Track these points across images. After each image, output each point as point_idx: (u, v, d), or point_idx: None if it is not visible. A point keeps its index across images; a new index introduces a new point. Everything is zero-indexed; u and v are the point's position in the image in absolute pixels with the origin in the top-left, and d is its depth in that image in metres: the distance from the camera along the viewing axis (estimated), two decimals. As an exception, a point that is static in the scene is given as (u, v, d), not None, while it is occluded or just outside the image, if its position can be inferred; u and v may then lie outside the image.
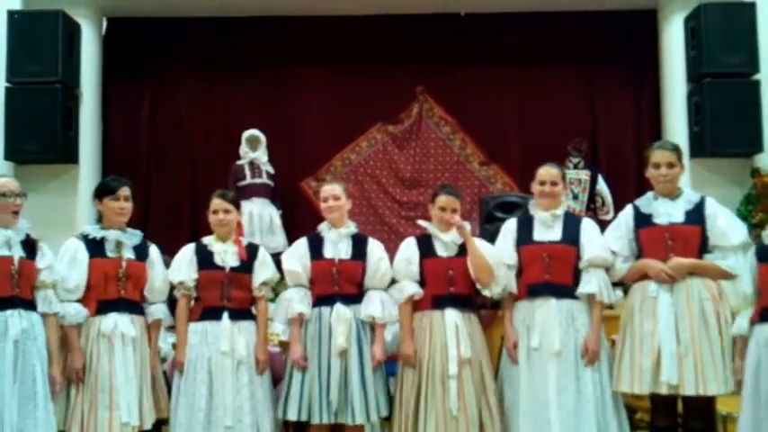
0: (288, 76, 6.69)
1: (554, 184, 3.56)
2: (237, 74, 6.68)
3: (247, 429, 3.35)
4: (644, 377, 3.25)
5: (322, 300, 3.51)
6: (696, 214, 3.37)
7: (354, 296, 3.50)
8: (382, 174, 6.72)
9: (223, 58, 6.69)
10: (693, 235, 3.34)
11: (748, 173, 5.79)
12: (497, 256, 3.58)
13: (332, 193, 3.62)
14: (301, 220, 6.26)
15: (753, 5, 5.83)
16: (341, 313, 3.44)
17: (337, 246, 3.56)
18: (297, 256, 3.61)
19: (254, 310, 3.58)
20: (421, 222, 3.72)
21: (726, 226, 3.35)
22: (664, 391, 3.22)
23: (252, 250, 3.61)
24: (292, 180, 6.60)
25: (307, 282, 3.57)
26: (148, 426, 3.35)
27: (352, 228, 3.64)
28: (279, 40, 6.58)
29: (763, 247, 3.15)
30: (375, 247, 3.62)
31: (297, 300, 3.52)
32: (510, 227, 3.68)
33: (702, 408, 3.33)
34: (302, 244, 3.65)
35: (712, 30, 5.79)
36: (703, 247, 3.35)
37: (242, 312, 3.51)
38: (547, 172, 3.58)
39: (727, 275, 3.30)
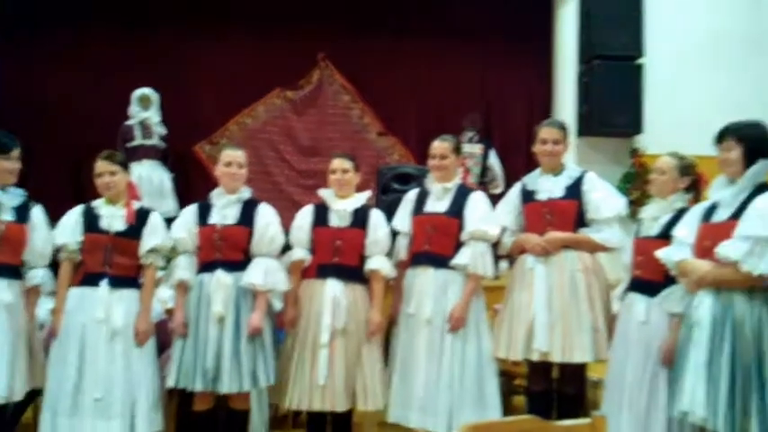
0: (185, 36, 6.44)
1: (444, 157, 3.63)
2: (129, 30, 6.37)
3: (118, 402, 3.22)
4: (518, 344, 3.41)
5: (205, 266, 3.45)
6: (574, 189, 3.53)
7: (239, 263, 3.44)
8: (280, 140, 6.62)
9: (115, 13, 6.35)
10: (570, 209, 3.50)
11: (628, 152, 6.11)
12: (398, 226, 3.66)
13: (237, 161, 3.53)
14: (194, 184, 6.11)
15: (640, -9, 6.10)
16: (220, 280, 3.38)
17: (223, 211, 3.49)
18: (184, 223, 3.54)
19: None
20: (320, 191, 3.71)
21: (600, 200, 3.50)
22: (535, 357, 3.40)
23: (142, 215, 3.46)
24: (186, 143, 6.39)
25: (194, 248, 3.50)
26: (19, 397, 3.20)
27: (245, 194, 3.58)
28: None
29: (639, 223, 3.32)
30: (264, 213, 3.54)
31: (181, 266, 3.46)
32: (410, 197, 3.76)
33: (574, 374, 3.54)
34: (191, 210, 3.58)
35: (603, 13, 5.99)
36: (580, 221, 3.51)
37: (125, 279, 3.37)
38: (438, 145, 3.65)
39: (601, 247, 3.48)
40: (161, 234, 3.47)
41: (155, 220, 3.48)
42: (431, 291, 3.49)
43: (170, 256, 3.59)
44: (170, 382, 3.37)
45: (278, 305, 3.55)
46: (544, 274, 3.44)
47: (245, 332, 3.36)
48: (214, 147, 6.26)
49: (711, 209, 2.84)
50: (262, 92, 6.60)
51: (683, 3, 6.23)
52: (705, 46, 6.18)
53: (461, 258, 3.50)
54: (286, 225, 3.67)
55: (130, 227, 3.40)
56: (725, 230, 2.67)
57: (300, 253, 3.55)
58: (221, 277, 3.38)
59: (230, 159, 3.52)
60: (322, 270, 3.51)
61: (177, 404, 3.73)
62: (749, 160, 2.72)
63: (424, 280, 3.51)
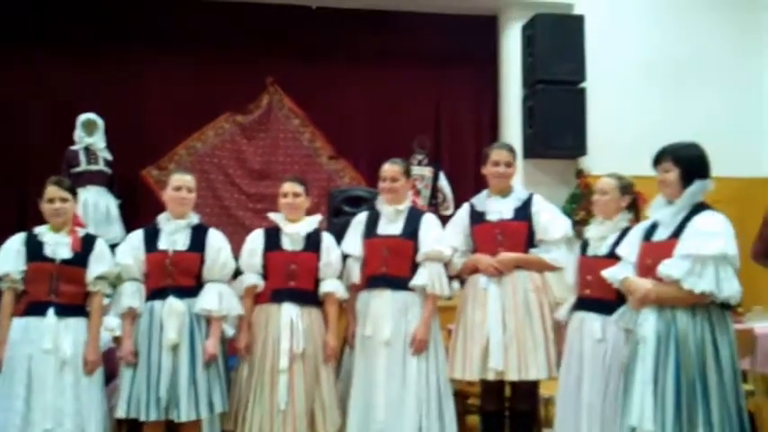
0: (130, 59, 6.35)
1: (395, 179, 3.67)
2: (74, 53, 6.26)
3: None
4: (474, 364, 3.44)
5: (155, 293, 3.39)
6: (523, 211, 3.62)
7: (191, 288, 3.40)
8: (229, 164, 6.56)
9: (60, 36, 6.24)
10: (520, 230, 3.58)
11: (573, 173, 6.27)
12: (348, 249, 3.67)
13: (187, 185, 3.50)
14: (141, 210, 5.99)
15: (581, 18, 6.29)
16: (173, 307, 3.33)
17: (173, 237, 3.45)
18: (130, 249, 3.46)
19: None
20: (270, 215, 3.70)
21: (548, 221, 3.60)
22: (491, 377, 3.43)
23: (88, 242, 3.41)
24: (132, 168, 6.28)
25: (140, 275, 3.44)
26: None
27: (193, 219, 3.54)
28: (123, 20, 6.24)
29: (583, 242, 3.41)
30: (215, 238, 3.53)
31: (128, 294, 3.38)
32: (359, 220, 3.78)
33: (527, 392, 3.59)
34: (137, 236, 3.51)
35: (546, 39, 6.15)
36: (530, 242, 3.59)
37: (72, 308, 3.30)
38: (388, 168, 3.69)
39: (550, 267, 3.56)
40: (108, 261, 3.42)
41: (100, 247, 3.43)
42: (389, 313, 3.50)
43: (116, 283, 3.52)
44: (120, 413, 3.29)
45: (230, 331, 3.54)
46: (497, 294, 3.49)
47: (201, 359, 3.32)
48: (162, 171, 6.17)
49: (652, 228, 2.94)
50: (210, 116, 6.54)
51: (621, 29, 6.46)
52: (641, 71, 6.42)
53: (420, 279, 3.53)
54: (236, 249, 3.65)
55: (76, 254, 3.34)
56: (665, 249, 2.77)
57: (254, 278, 3.53)
58: (174, 304, 3.33)
59: (180, 184, 3.48)
60: (277, 295, 3.49)
61: (126, 435, 3.65)
62: (686, 181, 2.84)
63: (381, 302, 3.53)
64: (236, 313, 3.47)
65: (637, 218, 3.32)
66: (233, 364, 3.60)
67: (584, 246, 3.38)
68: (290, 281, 3.49)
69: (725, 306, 2.74)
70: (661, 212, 2.90)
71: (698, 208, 2.83)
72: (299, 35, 6.52)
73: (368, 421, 3.44)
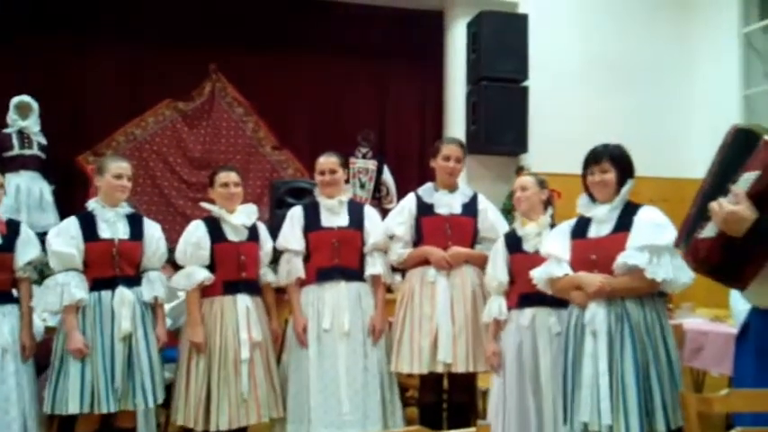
0: (68, 42, 6.16)
1: (333, 172, 3.67)
2: (9, 36, 6.02)
3: (15, 422, 3.08)
4: (422, 357, 3.45)
5: (101, 283, 3.29)
6: (471, 207, 3.67)
7: (134, 278, 3.35)
8: (169, 152, 6.44)
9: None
10: (468, 226, 3.63)
11: (514, 170, 6.38)
12: (284, 244, 3.64)
13: (128, 173, 3.41)
14: (77, 196, 5.82)
15: (525, 18, 6.40)
16: (125, 296, 3.27)
17: (115, 225, 3.37)
18: (68, 237, 3.29)
19: (15, 293, 3.30)
20: (205, 205, 3.64)
21: (495, 220, 3.68)
22: (440, 369, 3.46)
23: (13, 227, 3.31)
24: (68, 153, 6.10)
25: (81, 265, 3.32)
26: None
27: (127, 207, 3.47)
28: (61, 3, 6.04)
29: (513, 238, 3.41)
30: (152, 226, 3.49)
31: (74, 285, 3.22)
32: (296, 214, 3.72)
33: (465, 384, 3.64)
34: (72, 224, 3.33)
35: (490, 37, 6.22)
36: (475, 238, 3.66)
37: (3, 295, 3.23)
38: (325, 161, 3.68)
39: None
40: (36, 247, 3.36)
41: (26, 233, 3.36)
42: (345, 304, 3.52)
43: (44, 270, 3.44)
44: (72, 409, 3.13)
45: (168, 322, 3.50)
46: (446, 287, 3.53)
47: (154, 347, 3.32)
48: (99, 158, 6.00)
49: (580, 226, 3.00)
50: (151, 103, 6.41)
51: (563, 29, 6.59)
52: (581, 71, 6.57)
53: (374, 269, 3.57)
54: (177, 239, 3.58)
55: (3, 240, 3.23)
56: (611, 243, 2.84)
57: (205, 272, 3.46)
58: (125, 293, 3.27)
59: (121, 172, 3.39)
60: (231, 286, 3.47)
61: (57, 428, 3.54)
62: (621, 181, 2.93)
63: (337, 294, 3.54)
64: (177, 301, 3.43)
65: (553, 214, 3.41)
66: (168, 355, 3.55)
67: (517, 242, 3.41)
68: (242, 272, 3.49)
69: (661, 296, 2.86)
70: (595, 210, 2.97)
71: (631, 205, 2.93)
72: (244, 23, 6.45)
73: (332, 413, 3.44)
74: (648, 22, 6.75)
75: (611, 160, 2.93)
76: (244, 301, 3.45)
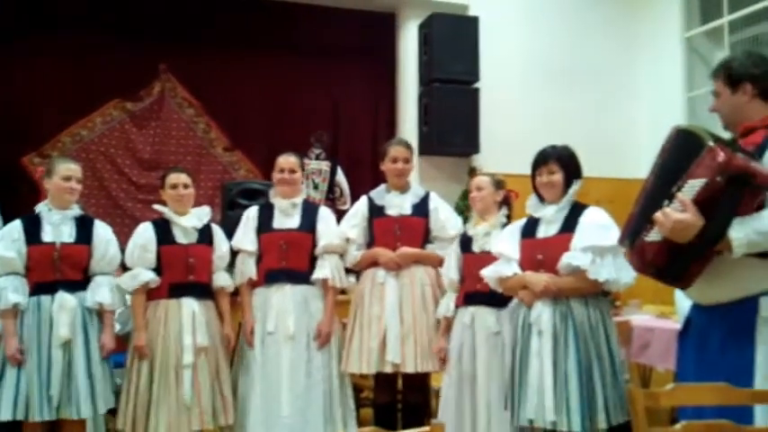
0: (10, 40, 5.97)
1: (292, 171, 3.66)
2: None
3: None
4: (371, 357, 3.48)
5: (41, 288, 3.22)
6: (422, 207, 3.70)
7: (79, 282, 3.28)
8: (117, 153, 6.29)
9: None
10: (419, 226, 3.66)
11: (466, 171, 6.44)
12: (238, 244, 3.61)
13: (77, 175, 3.36)
14: (21, 199, 5.65)
15: (476, 20, 6.47)
16: (65, 301, 3.19)
17: (59, 229, 3.30)
18: (10, 241, 3.25)
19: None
20: (156, 207, 3.59)
21: (446, 219, 3.72)
22: (388, 369, 3.49)
23: None
24: (12, 154, 5.92)
25: (22, 269, 3.25)
26: None
27: (77, 209, 3.39)
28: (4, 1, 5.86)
29: (465, 238, 3.49)
30: (102, 230, 3.43)
31: (11, 289, 3.18)
32: (251, 214, 3.72)
33: (418, 384, 3.68)
34: (15, 227, 3.30)
35: (441, 39, 6.26)
36: (426, 238, 3.68)
37: None
38: (286, 160, 3.68)
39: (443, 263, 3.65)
40: None
41: None
42: (291, 307, 3.50)
43: None
44: (4, 415, 3.08)
45: (117, 327, 3.43)
46: (395, 288, 3.55)
47: (96, 354, 3.24)
48: (44, 159, 5.85)
49: (529, 226, 3.06)
50: (98, 103, 6.26)
51: (513, 32, 6.68)
52: (531, 73, 6.67)
53: (322, 272, 3.56)
54: (126, 241, 3.52)
55: None
56: (557, 244, 2.91)
57: (150, 274, 3.41)
58: (65, 298, 3.20)
59: (70, 174, 3.33)
60: (176, 289, 3.42)
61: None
62: (568, 182, 3.00)
63: (282, 297, 3.52)
64: (122, 307, 3.36)
65: (509, 215, 3.47)
66: (117, 360, 3.48)
67: (468, 242, 3.46)
68: (190, 275, 3.44)
69: (606, 296, 2.93)
70: (543, 211, 3.04)
71: (578, 205, 3.00)
72: (194, 22, 6.34)
73: (272, 416, 3.42)
74: (596, 25, 6.89)
75: (559, 161, 3.00)
76: (189, 304, 3.39)
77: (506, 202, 3.51)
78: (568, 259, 2.85)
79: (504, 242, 3.11)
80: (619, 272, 2.81)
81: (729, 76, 2.38)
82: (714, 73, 2.45)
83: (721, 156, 2.03)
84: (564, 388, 2.76)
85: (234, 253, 3.69)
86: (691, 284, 2.25)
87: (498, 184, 3.47)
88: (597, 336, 2.84)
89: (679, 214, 2.08)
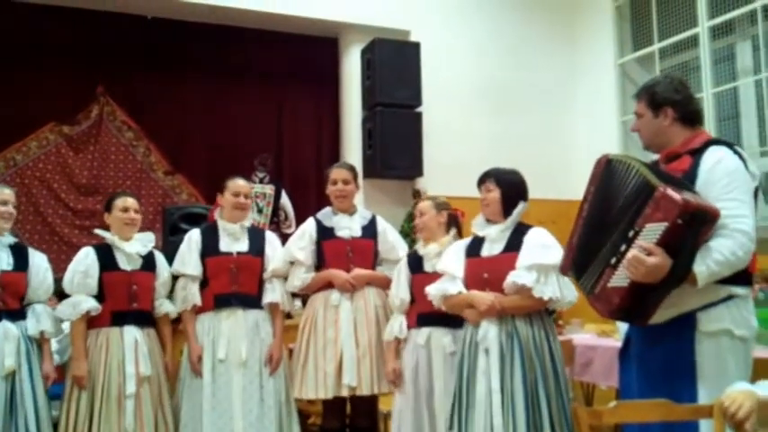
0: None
1: (247, 196, 3.66)
2: None
3: None
4: (327, 382, 3.44)
5: None
6: (371, 229, 3.73)
7: (18, 311, 3.19)
8: (54, 178, 6.12)
9: None
10: (369, 248, 3.68)
11: (411, 193, 6.50)
12: (181, 269, 3.54)
13: (12, 200, 3.28)
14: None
15: (418, 45, 6.57)
16: (8, 331, 3.10)
17: None
18: None
19: None
20: (98, 231, 3.50)
21: (394, 242, 3.76)
22: (345, 393, 3.46)
23: None
24: (-60, 180, 5.69)
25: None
26: None
27: (10, 237, 3.28)
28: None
29: (415, 258, 3.51)
30: (38, 257, 3.35)
31: None
32: (194, 237, 3.65)
33: (368, 408, 3.66)
34: None
35: (384, 63, 6.32)
36: (375, 260, 3.70)
37: None
38: (244, 184, 3.66)
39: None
40: None
41: None
42: (242, 333, 3.44)
43: None
44: None
45: (56, 357, 3.32)
46: (350, 310, 3.53)
47: (39, 385, 3.16)
48: (-25, 185, 5.64)
49: (476, 245, 3.11)
50: (33, 126, 6.08)
51: (454, 57, 6.80)
52: (472, 97, 6.80)
53: (273, 296, 3.52)
54: (62, 269, 3.41)
55: None
56: (501, 263, 2.96)
57: (91, 302, 3.31)
58: (8, 327, 3.11)
59: (6, 198, 3.24)
60: (119, 317, 3.33)
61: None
62: (506, 201, 3.06)
63: (234, 322, 3.46)
64: (63, 334, 3.26)
65: (460, 233, 3.52)
66: (55, 391, 3.36)
67: (418, 262, 3.48)
68: (133, 302, 3.36)
69: (549, 314, 2.99)
70: (488, 230, 3.10)
71: (522, 226, 3.07)
72: (135, 45, 6.25)
73: None
74: (536, 51, 7.08)
75: (495, 180, 3.08)
76: (132, 333, 3.32)
77: (454, 220, 3.55)
78: (513, 278, 2.89)
79: (448, 260, 3.15)
80: (563, 290, 2.87)
81: (652, 99, 2.48)
82: (638, 95, 2.55)
83: (678, 198, 2.09)
84: (510, 407, 2.79)
85: (174, 278, 3.61)
86: (649, 321, 2.28)
87: (440, 206, 3.51)
88: (542, 354, 2.89)
89: (651, 259, 2.13)
